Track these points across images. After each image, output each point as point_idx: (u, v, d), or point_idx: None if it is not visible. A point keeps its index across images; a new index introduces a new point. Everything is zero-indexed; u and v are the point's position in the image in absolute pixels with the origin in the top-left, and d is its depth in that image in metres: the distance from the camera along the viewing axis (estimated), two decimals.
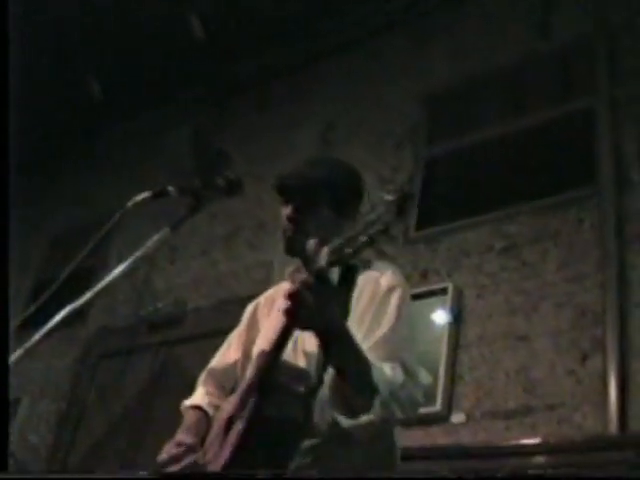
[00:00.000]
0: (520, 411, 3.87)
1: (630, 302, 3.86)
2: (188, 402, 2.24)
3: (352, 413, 1.73)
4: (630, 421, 3.56)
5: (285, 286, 2.17)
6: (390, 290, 1.94)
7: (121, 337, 6.15)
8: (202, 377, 2.30)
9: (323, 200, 2.04)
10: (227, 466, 1.69)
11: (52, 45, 6.23)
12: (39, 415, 6.44)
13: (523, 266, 4.29)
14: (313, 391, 1.77)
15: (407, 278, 4.53)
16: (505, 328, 4.15)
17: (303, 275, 1.61)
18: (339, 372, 1.71)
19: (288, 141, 6.07)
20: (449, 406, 4.06)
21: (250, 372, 1.96)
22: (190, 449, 1.97)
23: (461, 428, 3.99)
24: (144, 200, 2.07)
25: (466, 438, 3.93)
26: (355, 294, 1.91)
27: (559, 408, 3.77)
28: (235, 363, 2.20)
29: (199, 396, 2.23)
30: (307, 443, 1.77)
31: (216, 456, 1.80)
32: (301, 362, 1.89)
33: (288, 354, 1.85)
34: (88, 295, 1.92)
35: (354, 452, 1.82)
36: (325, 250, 1.58)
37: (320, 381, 1.78)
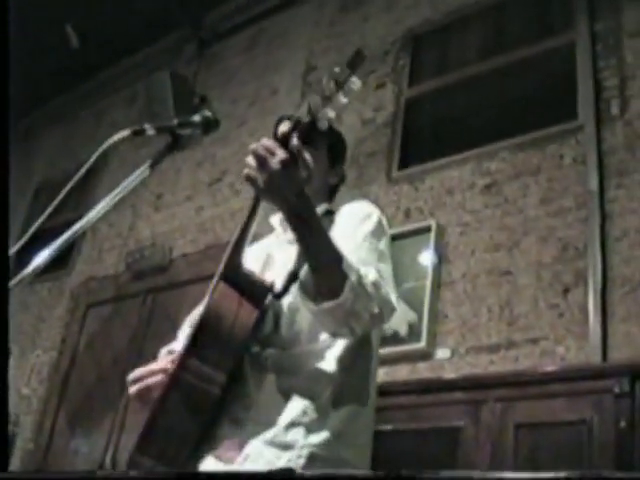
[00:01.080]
0: (504, 345, 3.93)
1: (611, 235, 3.89)
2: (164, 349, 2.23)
3: (319, 298, 1.70)
4: (611, 352, 3.62)
5: (265, 240, 2.21)
6: (368, 215, 1.98)
7: (108, 286, 6.18)
8: (182, 328, 2.27)
9: (325, 141, 2.16)
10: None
11: None
12: (31, 366, 6.48)
13: (505, 202, 4.31)
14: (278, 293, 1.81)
15: (390, 218, 4.59)
16: (488, 264, 4.19)
17: (279, 150, 1.61)
18: (306, 252, 1.72)
19: (270, 84, 6.04)
20: (434, 343, 4.12)
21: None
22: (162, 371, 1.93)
23: (446, 363, 4.05)
24: (122, 138, 2.05)
25: (451, 373, 3.99)
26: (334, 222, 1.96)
27: (542, 341, 3.83)
28: None
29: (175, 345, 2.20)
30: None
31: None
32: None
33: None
34: (68, 235, 1.90)
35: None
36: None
37: (285, 290, 1.81)
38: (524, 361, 3.81)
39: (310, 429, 1.75)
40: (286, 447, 1.72)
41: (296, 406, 1.76)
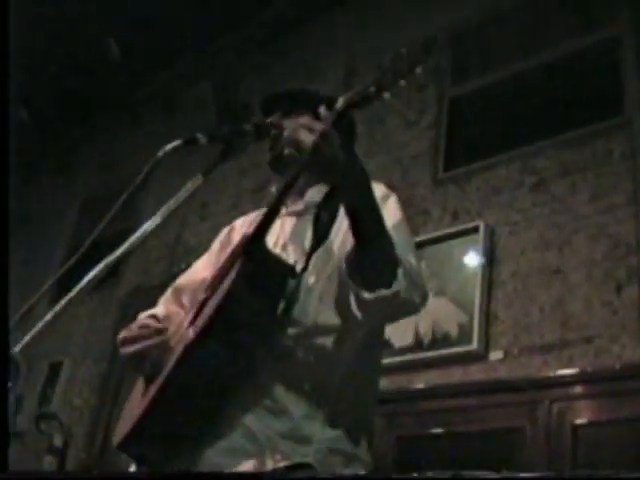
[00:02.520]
0: (557, 345, 3.88)
1: None
2: (141, 316, 2.15)
3: (373, 285, 1.63)
4: None
5: (261, 210, 2.19)
6: (384, 198, 1.89)
7: (156, 295, 6.21)
8: (166, 295, 2.23)
9: (305, 104, 2.05)
10: (206, 327, 1.64)
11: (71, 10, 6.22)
12: (82, 377, 6.55)
13: (554, 200, 4.26)
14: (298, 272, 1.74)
15: (437, 219, 4.56)
16: (539, 263, 4.14)
17: (317, 124, 1.53)
18: (360, 238, 1.62)
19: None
20: (486, 344, 4.07)
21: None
22: (157, 332, 1.88)
23: (499, 365, 4.00)
24: (175, 148, 2.05)
25: (504, 375, 3.94)
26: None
27: (596, 340, 3.78)
28: (202, 281, 2.08)
29: (158, 309, 2.15)
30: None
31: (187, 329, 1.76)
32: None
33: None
34: (121, 249, 1.89)
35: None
36: (339, 100, 1.58)
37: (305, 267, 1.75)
38: (579, 361, 3.76)
39: (326, 422, 1.72)
40: (303, 441, 1.68)
41: (310, 397, 1.73)
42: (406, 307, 1.71)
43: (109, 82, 7.23)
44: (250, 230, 1.83)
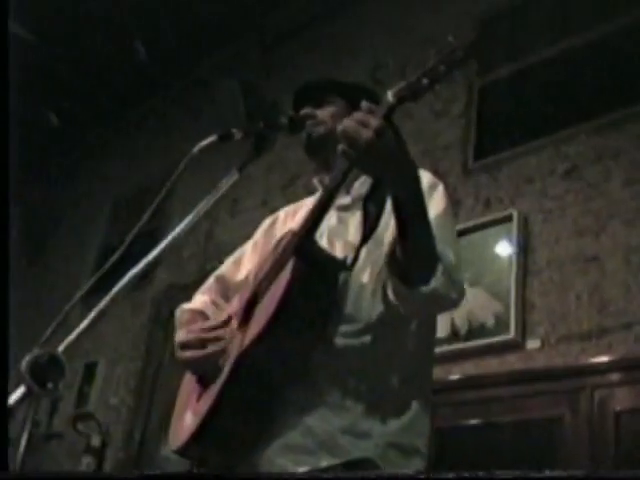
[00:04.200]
0: (595, 332, 3.84)
1: None
2: (188, 305, 2.16)
3: (411, 280, 1.62)
4: None
5: (308, 201, 2.18)
6: (432, 187, 1.88)
7: (189, 293, 6.23)
8: (208, 284, 2.22)
9: (336, 94, 2.10)
10: (262, 333, 1.63)
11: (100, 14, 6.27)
12: (118, 377, 6.58)
13: (588, 187, 4.21)
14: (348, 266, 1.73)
15: (469, 209, 4.53)
16: (574, 250, 4.10)
17: (372, 119, 1.50)
18: (404, 233, 1.61)
19: None
20: (523, 333, 4.04)
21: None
22: (216, 338, 1.83)
23: (536, 354, 3.97)
24: (210, 144, 2.06)
25: (542, 364, 3.91)
26: None
27: (635, 326, 3.73)
28: (247, 276, 2.12)
29: (202, 303, 2.15)
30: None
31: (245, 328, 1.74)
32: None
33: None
34: (157, 250, 1.90)
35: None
36: (388, 94, 1.55)
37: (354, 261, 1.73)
38: (618, 347, 3.72)
39: (386, 416, 1.72)
40: (362, 436, 1.68)
41: (369, 393, 1.72)
42: (443, 303, 1.71)
43: (134, 83, 7.26)
44: (296, 225, 1.82)
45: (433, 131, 5.12)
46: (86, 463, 5.93)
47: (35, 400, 4.31)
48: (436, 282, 1.62)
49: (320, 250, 1.75)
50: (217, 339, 1.82)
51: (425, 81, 1.52)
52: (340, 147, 1.52)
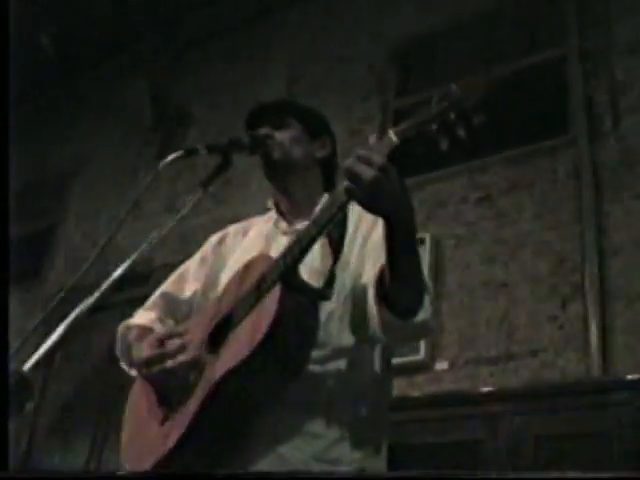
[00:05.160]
0: (503, 357, 3.97)
1: (607, 249, 3.96)
2: (134, 321, 2.11)
3: (402, 311, 1.64)
4: (611, 363, 3.69)
5: (257, 220, 2.18)
6: None
7: (85, 296, 6.06)
8: (153, 300, 2.18)
9: (293, 118, 2.09)
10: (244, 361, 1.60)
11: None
12: None
13: (499, 215, 4.36)
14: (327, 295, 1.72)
15: None
16: (484, 277, 4.23)
17: (376, 157, 1.50)
18: (396, 264, 1.61)
19: (252, 93, 6.00)
20: (432, 354, 4.14)
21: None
22: (181, 347, 1.77)
23: (445, 375, 4.07)
24: (175, 160, 2.03)
25: (450, 385, 4.02)
26: (358, 224, 1.91)
27: (541, 353, 3.88)
28: (193, 294, 2.10)
29: (148, 319, 2.09)
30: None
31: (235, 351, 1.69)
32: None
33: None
34: (123, 267, 1.88)
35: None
36: (390, 133, 1.56)
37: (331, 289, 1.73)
38: (524, 373, 3.86)
39: (356, 443, 1.73)
40: (335, 462, 1.69)
41: (342, 419, 1.74)
42: (429, 332, 1.76)
43: (42, 81, 7.02)
44: (274, 252, 1.81)
45: (347, 149, 5.15)
46: None
47: None
48: (425, 313, 1.65)
49: (302, 280, 1.74)
50: (183, 347, 1.77)
51: (434, 127, 1.51)
52: (344, 184, 1.52)
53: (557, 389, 3.33)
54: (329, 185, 2.13)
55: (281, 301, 1.63)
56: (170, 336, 1.82)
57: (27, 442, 5.77)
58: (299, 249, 1.69)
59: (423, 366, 4.11)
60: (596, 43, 4.54)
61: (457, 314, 4.20)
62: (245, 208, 5.51)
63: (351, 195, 1.53)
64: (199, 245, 5.82)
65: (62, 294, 1.82)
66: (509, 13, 5.02)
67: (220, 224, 5.60)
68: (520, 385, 3.69)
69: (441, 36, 5.27)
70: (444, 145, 1.50)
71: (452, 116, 1.49)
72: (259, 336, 1.60)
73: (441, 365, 4.11)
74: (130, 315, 2.19)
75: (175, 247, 5.73)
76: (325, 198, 2.05)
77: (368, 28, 5.63)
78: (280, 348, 1.62)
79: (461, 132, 1.47)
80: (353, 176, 1.50)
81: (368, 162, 1.49)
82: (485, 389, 3.68)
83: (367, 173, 1.48)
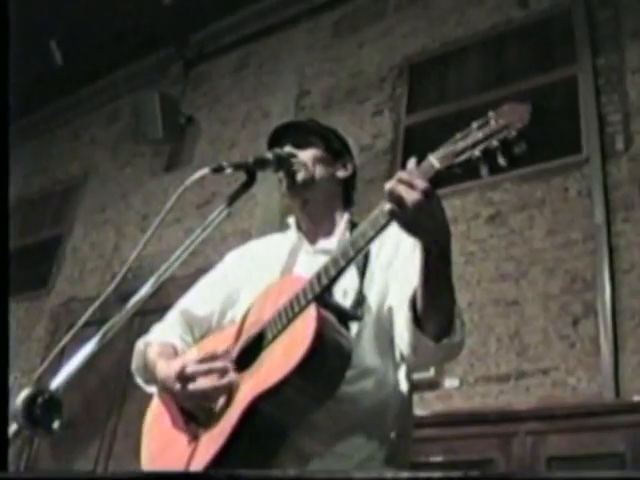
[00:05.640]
0: (513, 375, 3.96)
1: (619, 268, 3.96)
2: (157, 338, 2.08)
3: (437, 333, 1.66)
4: (623, 383, 3.68)
5: (277, 237, 2.21)
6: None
7: (89, 306, 6.05)
8: (173, 316, 2.16)
9: (317, 138, 2.12)
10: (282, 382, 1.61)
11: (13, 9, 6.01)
12: (9, 389, 6.31)
13: (511, 233, 4.36)
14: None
15: None
16: (495, 294, 4.23)
17: (419, 181, 1.51)
18: (433, 287, 1.63)
19: (261, 107, 6.02)
20: (442, 372, 4.12)
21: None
22: (225, 370, 1.78)
23: (455, 393, 4.07)
24: (202, 176, 2.05)
25: (460, 403, 4.01)
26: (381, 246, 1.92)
27: (552, 371, 3.88)
28: (212, 314, 2.11)
29: (168, 336, 2.08)
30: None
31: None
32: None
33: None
34: (146, 288, 1.90)
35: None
36: (431, 158, 1.56)
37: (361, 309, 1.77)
38: (535, 392, 3.85)
39: (385, 463, 1.75)
40: None
41: (369, 439, 1.75)
42: (458, 354, 1.78)
43: (46, 83, 7.03)
44: (305, 273, 1.81)
45: (357, 164, 5.17)
46: None
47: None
48: (456, 336, 1.68)
49: (336, 301, 1.75)
50: (225, 371, 1.77)
51: (478, 154, 1.50)
52: (388, 207, 1.52)
53: (570, 409, 3.31)
54: (347, 205, 2.15)
55: (319, 322, 1.64)
56: (213, 358, 1.81)
57: (33, 456, 5.75)
58: (336, 270, 1.69)
59: (433, 383, 4.10)
60: (609, 62, 4.56)
61: (468, 331, 4.15)
62: (250, 222, 5.52)
63: (394, 217, 1.53)
64: (205, 257, 5.85)
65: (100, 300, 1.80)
66: (522, 31, 5.03)
67: (226, 237, 5.65)
68: (533, 405, 3.67)
69: (453, 53, 5.28)
70: (484, 172, 1.48)
71: (495, 144, 1.48)
72: (298, 356, 1.62)
73: (451, 383, 4.10)
74: (138, 328, 2.18)
75: (183, 260, 5.73)
76: (345, 217, 2.07)
77: (379, 43, 5.64)
78: (318, 369, 1.63)
79: (502, 160, 1.46)
80: (397, 199, 1.51)
81: (411, 185, 1.50)
82: (497, 408, 3.66)
83: (411, 196, 1.49)
